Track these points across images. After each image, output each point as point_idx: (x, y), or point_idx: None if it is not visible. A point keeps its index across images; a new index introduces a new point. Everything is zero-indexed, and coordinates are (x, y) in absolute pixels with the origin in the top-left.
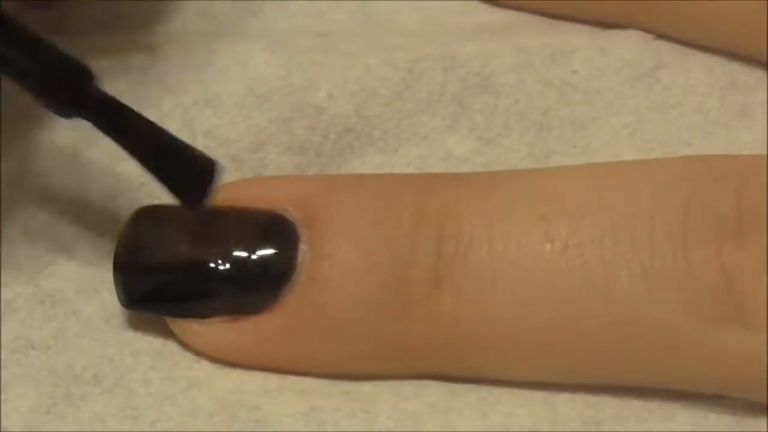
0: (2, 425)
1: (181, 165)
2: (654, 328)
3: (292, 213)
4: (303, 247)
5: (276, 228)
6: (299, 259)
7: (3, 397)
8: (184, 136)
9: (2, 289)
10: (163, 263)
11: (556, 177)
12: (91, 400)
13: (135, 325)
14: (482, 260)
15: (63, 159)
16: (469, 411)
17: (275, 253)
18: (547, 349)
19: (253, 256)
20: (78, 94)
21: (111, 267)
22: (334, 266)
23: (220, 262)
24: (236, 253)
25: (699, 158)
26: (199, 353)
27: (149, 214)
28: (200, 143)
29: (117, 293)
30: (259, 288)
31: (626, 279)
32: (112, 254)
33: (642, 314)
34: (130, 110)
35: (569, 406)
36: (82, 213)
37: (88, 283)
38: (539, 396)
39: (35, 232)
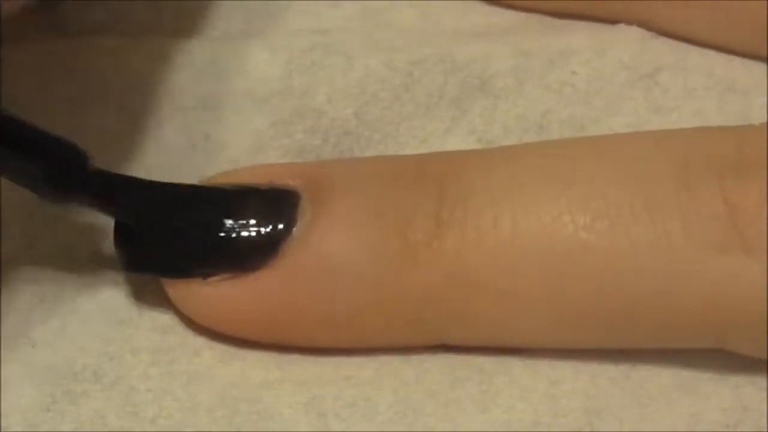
0: (2, 423)
1: None
2: (657, 259)
3: (292, 183)
4: (303, 202)
5: (275, 190)
6: (299, 213)
7: (3, 395)
8: (183, 140)
9: (2, 288)
10: (164, 225)
11: (555, 140)
12: (92, 398)
13: (135, 322)
14: (484, 203)
15: None
16: (470, 404)
17: (275, 210)
18: (548, 290)
19: (253, 214)
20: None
21: (111, 266)
22: (335, 217)
23: (220, 220)
24: (237, 211)
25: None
26: (198, 326)
27: None
28: (200, 147)
29: (118, 257)
30: (259, 243)
31: (629, 212)
32: (112, 253)
33: (644, 245)
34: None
35: (570, 397)
36: (81, 213)
37: (88, 282)
38: (540, 388)
39: (35, 233)
